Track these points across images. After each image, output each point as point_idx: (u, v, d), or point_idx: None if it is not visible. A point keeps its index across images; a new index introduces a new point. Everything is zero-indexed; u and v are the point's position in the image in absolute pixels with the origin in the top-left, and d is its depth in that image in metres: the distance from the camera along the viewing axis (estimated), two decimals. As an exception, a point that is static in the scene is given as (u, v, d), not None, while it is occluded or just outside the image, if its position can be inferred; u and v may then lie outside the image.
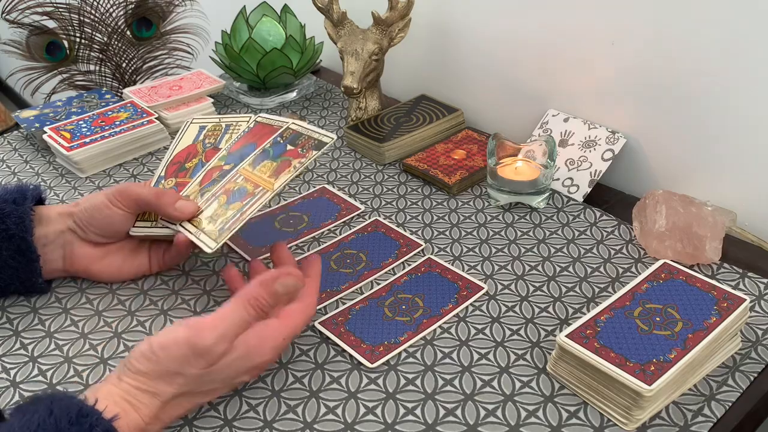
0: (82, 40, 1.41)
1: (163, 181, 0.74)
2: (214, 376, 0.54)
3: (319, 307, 0.69)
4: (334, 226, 0.81)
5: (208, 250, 0.63)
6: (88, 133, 0.94)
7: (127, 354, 0.62)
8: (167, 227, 0.69)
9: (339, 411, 0.58)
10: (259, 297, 0.56)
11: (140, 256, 0.72)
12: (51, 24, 1.38)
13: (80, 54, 1.42)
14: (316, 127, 0.68)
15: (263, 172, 0.66)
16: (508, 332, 0.65)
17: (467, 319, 0.66)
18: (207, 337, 0.53)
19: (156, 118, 0.98)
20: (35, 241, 0.67)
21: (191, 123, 0.80)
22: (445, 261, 0.74)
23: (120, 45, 1.44)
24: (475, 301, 0.68)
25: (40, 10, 1.36)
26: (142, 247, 0.73)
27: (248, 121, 0.75)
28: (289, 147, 0.68)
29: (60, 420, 0.47)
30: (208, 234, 0.64)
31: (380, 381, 0.60)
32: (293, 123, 0.70)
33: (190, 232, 0.66)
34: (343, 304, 0.69)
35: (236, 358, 0.55)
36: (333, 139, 0.66)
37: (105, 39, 1.42)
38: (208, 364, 0.53)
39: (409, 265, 0.73)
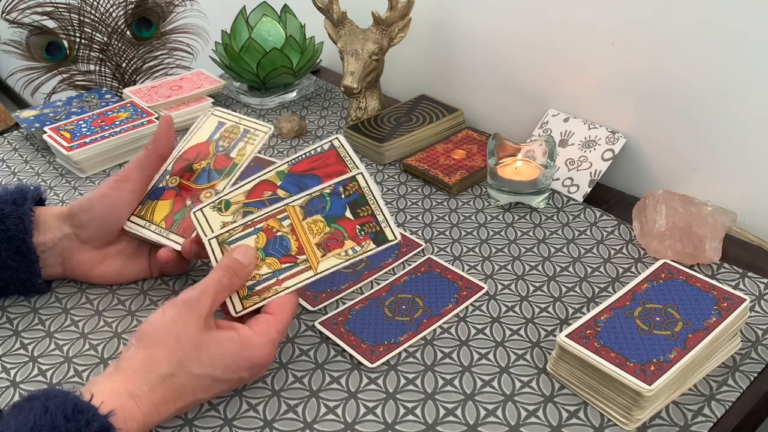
0: (82, 40, 1.41)
1: (168, 177, 0.72)
2: (208, 353, 0.54)
3: (319, 307, 0.69)
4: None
5: (233, 313, 0.60)
6: (88, 133, 0.94)
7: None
8: (161, 236, 0.68)
9: (339, 411, 0.58)
10: (228, 262, 0.59)
11: (140, 261, 0.72)
12: (51, 24, 1.38)
13: (80, 54, 1.42)
14: (384, 206, 0.62)
15: (312, 232, 0.61)
16: (508, 332, 0.65)
17: (467, 319, 0.66)
18: (189, 293, 0.56)
19: (156, 118, 0.98)
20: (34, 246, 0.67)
21: (211, 115, 0.76)
22: (445, 261, 0.74)
23: (120, 45, 1.44)
24: (475, 301, 0.68)
25: (40, 10, 1.36)
26: (141, 252, 0.72)
27: (267, 133, 0.72)
28: (348, 213, 0.62)
29: (56, 416, 0.46)
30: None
31: (380, 381, 0.60)
32: (361, 174, 0.63)
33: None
34: (343, 304, 0.69)
35: (227, 338, 0.55)
36: (397, 239, 0.60)
37: (105, 39, 1.42)
38: (198, 317, 0.54)
39: (409, 265, 0.73)
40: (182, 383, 0.54)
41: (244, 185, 0.65)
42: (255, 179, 0.65)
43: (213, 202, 0.65)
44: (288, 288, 0.60)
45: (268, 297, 0.60)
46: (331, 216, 0.62)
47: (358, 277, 0.72)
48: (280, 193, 0.64)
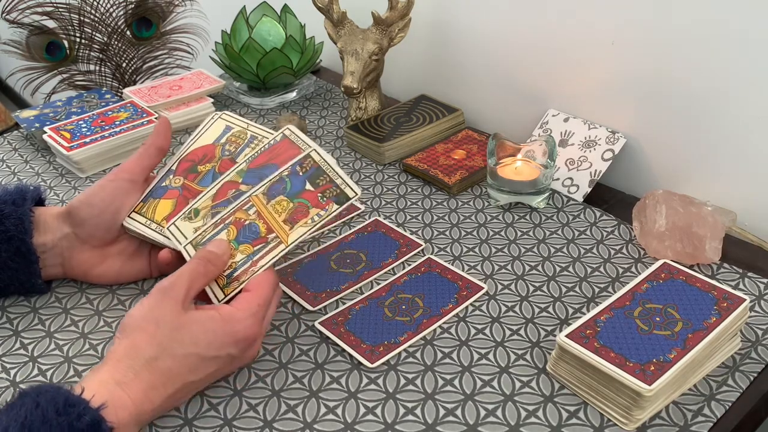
0: (82, 40, 1.41)
1: (171, 176, 0.72)
2: (188, 332, 0.55)
3: (319, 307, 0.69)
4: (334, 226, 0.81)
5: (215, 302, 0.61)
6: (88, 133, 0.94)
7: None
8: (162, 235, 0.68)
9: (339, 411, 0.58)
10: (202, 252, 0.61)
11: (140, 261, 0.72)
12: (51, 24, 1.38)
13: (80, 54, 1.42)
14: (341, 170, 0.65)
15: (278, 212, 0.64)
16: (508, 332, 0.65)
17: (467, 319, 0.66)
18: (165, 281, 0.57)
19: (156, 118, 0.98)
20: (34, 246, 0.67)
21: (219, 118, 0.76)
22: (445, 261, 0.74)
23: (120, 45, 1.45)
24: (475, 301, 0.68)
25: (40, 10, 1.36)
26: (141, 252, 0.72)
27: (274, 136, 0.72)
28: (308, 186, 0.65)
29: (47, 411, 0.47)
30: (215, 280, 0.62)
31: (380, 381, 0.60)
32: (314, 151, 0.66)
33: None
34: (343, 304, 0.69)
35: (208, 318, 0.56)
36: (357, 194, 0.63)
37: (105, 39, 1.43)
38: (174, 301, 0.55)
39: (409, 265, 0.73)
40: (168, 366, 0.54)
41: (209, 191, 0.68)
42: (218, 183, 0.68)
43: (182, 213, 0.67)
44: (263, 266, 0.61)
45: (246, 279, 0.61)
46: (293, 193, 0.65)
47: (358, 277, 0.72)
48: (243, 188, 0.67)
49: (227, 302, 0.60)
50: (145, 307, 0.56)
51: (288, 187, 0.65)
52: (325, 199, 0.64)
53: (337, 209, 0.64)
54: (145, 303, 0.56)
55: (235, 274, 0.62)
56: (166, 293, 0.56)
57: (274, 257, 0.62)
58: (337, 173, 0.65)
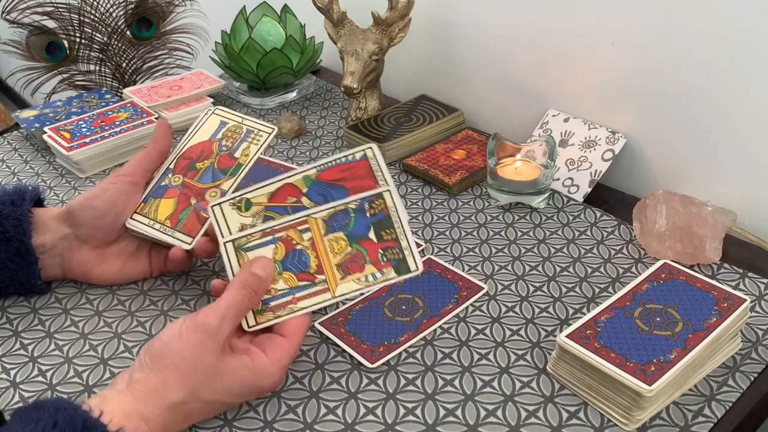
0: (82, 40, 1.41)
1: (170, 175, 0.72)
2: (222, 381, 0.54)
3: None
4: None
5: (245, 327, 0.58)
6: (88, 133, 0.94)
7: (128, 355, 0.62)
8: (167, 234, 0.68)
9: (339, 411, 0.58)
10: (248, 278, 0.57)
11: (140, 262, 0.72)
12: (51, 24, 1.38)
13: (80, 54, 1.42)
14: (409, 230, 0.59)
15: (333, 251, 0.59)
16: (508, 332, 0.65)
17: (467, 319, 0.66)
18: (210, 316, 0.54)
19: (156, 118, 0.98)
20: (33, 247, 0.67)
21: (213, 114, 0.75)
22: (445, 261, 0.74)
23: (120, 45, 1.44)
24: (475, 301, 0.68)
25: (40, 10, 1.36)
26: (141, 252, 0.72)
27: (271, 133, 0.71)
28: (371, 234, 0.59)
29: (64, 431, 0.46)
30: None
31: (380, 381, 0.60)
32: (389, 192, 0.60)
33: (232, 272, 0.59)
34: (343, 304, 0.69)
35: (242, 366, 0.54)
36: (419, 270, 0.58)
37: (105, 39, 1.42)
38: (216, 344, 0.53)
39: (409, 265, 0.73)
40: (193, 408, 0.54)
41: (267, 186, 0.61)
42: (279, 181, 0.61)
43: (233, 198, 0.62)
44: (304, 308, 0.58)
45: (283, 315, 0.58)
46: (354, 236, 0.59)
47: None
48: (305, 201, 0.61)
49: (256, 332, 0.58)
50: (184, 343, 0.53)
51: (351, 226, 0.60)
52: (385, 259, 0.59)
53: (393, 278, 0.58)
54: (185, 337, 0.53)
55: (271, 304, 0.58)
56: (210, 334, 0.53)
57: (316, 303, 0.58)
58: (404, 233, 0.59)
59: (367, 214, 0.60)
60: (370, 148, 0.61)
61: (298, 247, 0.60)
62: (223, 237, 0.61)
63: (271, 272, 0.58)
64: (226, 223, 0.61)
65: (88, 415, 0.48)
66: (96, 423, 0.48)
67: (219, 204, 0.62)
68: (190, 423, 0.55)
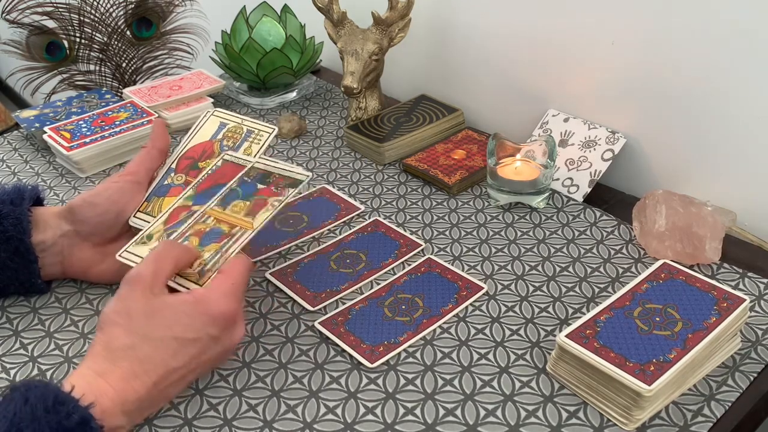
0: (82, 40, 1.41)
1: (172, 174, 0.72)
2: (162, 315, 0.55)
3: (318, 307, 0.69)
4: (334, 226, 0.81)
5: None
6: (88, 133, 0.94)
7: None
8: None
9: (339, 411, 0.58)
10: (169, 241, 0.61)
11: None
12: (51, 24, 1.38)
13: (80, 54, 1.42)
14: (287, 164, 0.68)
15: (236, 212, 0.65)
16: (507, 332, 0.65)
17: (467, 319, 0.66)
18: (131, 270, 0.58)
19: (156, 118, 0.98)
20: (32, 246, 0.67)
21: (212, 115, 0.77)
22: (445, 261, 0.74)
23: (120, 45, 1.44)
24: (474, 301, 0.68)
25: (40, 10, 1.36)
26: None
27: (271, 133, 0.73)
28: (259, 186, 0.67)
29: (36, 408, 0.46)
30: (186, 276, 0.61)
31: (380, 381, 0.60)
32: (257, 162, 0.69)
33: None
34: (343, 304, 0.69)
35: (180, 301, 0.56)
36: (308, 176, 0.66)
37: (105, 39, 1.42)
38: (142, 288, 0.55)
39: (409, 265, 0.73)
40: (146, 353, 0.54)
41: (159, 218, 0.68)
42: (168, 210, 0.68)
43: (134, 240, 0.66)
44: (234, 251, 0.62)
45: (219, 266, 0.61)
46: (247, 194, 0.66)
47: (358, 277, 0.72)
48: (195, 208, 0.67)
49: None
50: (116, 300, 0.56)
51: (241, 193, 0.67)
52: (279, 188, 0.66)
53: (293, 191, 0.65)
54: (116, 297, 0.56)
55: (206, 267, 0.61)
56: (132, 282, 0.56)
57: (242, 242, 0.62)
58: (284, 168, 0.67)
59: (248, 180, 0.68)
60: (227, 153, 0.71)
61: (207, 229, 0.64)
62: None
63: (190, 247, 0.62)
64: (139, 257, 0.65)
65: (60, 390, 0.49)
66: (67, 398, 0.48)
67: (124, 250, 0.66)
68: (155, 375, 0.54)
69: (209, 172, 0.71)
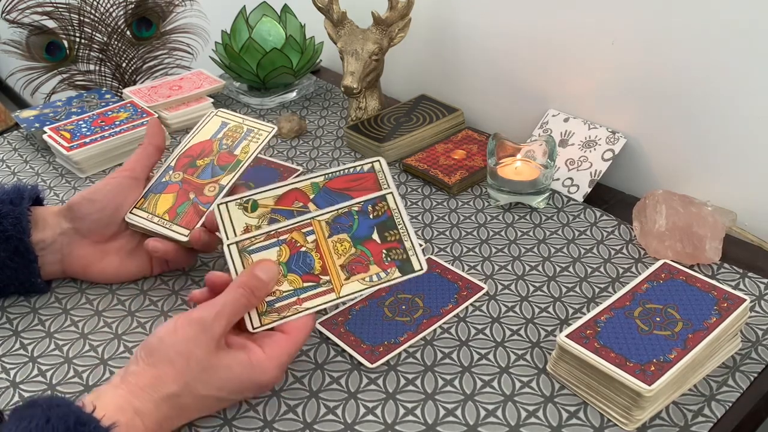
0: (82, 40, 1.41)
1: (171, 172, 0.72)
2: (216, 376, 0.53)
3: (319, 307, 0.69)
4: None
5: (250, 328, 0.57)
6: (88, 133, 0.94)
7: (128, 355, 0.62)
8: (164, 227, 0.68)
9: (339, 411, 0.58)
10: (248, 280, 0.57)
11: (139, 258, 0.72)
12: (51, 24, 1.38)
13: (80, 54, 1.42)
14: (413, 231, 0.60)
15: (337, 252, 0.59)
16: (508, 332, 0.65)
17: (467, 319, 0.66)
18: (205, 312, 0.54)
19: (151, 117, 0.98)
20: (32, 245, 0.67)
21: (215, 115, 0.76)
22: (445, 261, 0.74)
23: (120, 45, 1.44)
24: (475, 301, 0.68)
25: (40, 10, 1.36)
26: (141, 249, 0.71)
27: (270, 132, 0.71)
28: (375, 235, 0.60)
29: (57, 428, 0.46)
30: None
31: (380, 381, 0.60)
32: (392, 194, 0.61)
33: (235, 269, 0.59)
34: (343, 304, 0.69)
35: (237, 362, 0.54)
36: (423, 270, 0.59)
37: (105, 39, 1.42)
38: (210, 338, 0.53)
39: (409, 265, 0.73)
40: (188, 403, 0.53)
41: (274, 189, 0.62)
42: (287, 185, 0.62)
43: (240, 198, 0.61)
44: (308, 309, 0.58)
45: (288, 316, 0.57)
46: (358, 237, 0.60)
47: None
48: (311, 206, 0.61)
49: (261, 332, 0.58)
50: (179, 338, 0.53)
51: (354, 227, 0.60)
52: (389, 259, 0.59)
53: (398, 278, 0.59)
54: (180, 332, 0.53)
55: (276, 305, 0.58)
56: (204, 328, 0.53)
57: (321, 304, 0.58)
58: (408, 233, 0.60)
59: (371, 216, 0.61)
60: (378, 161, 0.63)
61: (303, 249, 0.60)
62: (227, 239, 0.60)
63: (273, 275, 0.58)
64: (231, 223, 0.61)
65: (81, 410, 0.48)
66: (89, 418, 0.48)
67: (225, 203, 0.61)
68: (185, 419, 0.55)
69: (350, 171, 0.63)
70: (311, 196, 0.62)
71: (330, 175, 0.63)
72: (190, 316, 0.54)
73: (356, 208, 0.61)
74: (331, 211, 0.61)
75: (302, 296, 0.58)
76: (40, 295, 0.71)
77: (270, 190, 0.62)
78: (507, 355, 0.62)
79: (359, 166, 0.63)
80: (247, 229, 0.61)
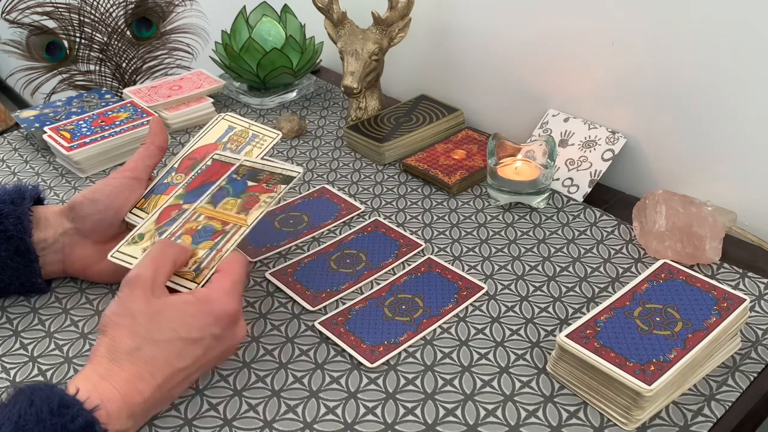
0: (82, 40, 1.41)
1: (173, 173, 0.73)
2: (166, 317, 0.54)
3: (319, 307, 0.69)
4: (334, 226, 0.81)
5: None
6: (88, 133, 0.94)
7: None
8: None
9: (339, 411, 0.58)
10: (163, 240, 0.61)
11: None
12: (51, 24, 1.38)
13: (80, 54, 1.42)
14: (278, 161, 0.68)
15: (228, 209, 0.65)
16: (508, 332, 0.65)
17: (467, 319, 0.66)
18: (130, 272, 0.57)
19: (153, 116, 0.98)
20: (33, 245, 0.67)
21: (222, 119, 0.78)
22: (445, 261, 0.74)
23: (120, 45, 1.44)
24: (475, 301, 0.68)
25: (40, 10, 1.36)
26: None
27: (275, 138, 0.74)
28: (250, 183, 0.67)
29: (41, 410, 0.46)
30: (183, 275, 0.61)
31: (380, 381, 0.60)
32: (246, 159, 0.69)
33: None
34: (343, 304, 0.69)
35: (182, 301, 0.56)
36: (300, 173, 0.66)
37: (105, 39, 1.42)
38: (142, 290, 0.55)
39: (409, 265, 0.73)
40: (151, 354, 0.53)
41: (150, 217, 0.67)
42: (158, 210, 0.68)
43: (126, 240, 0.66)
44: (229, 249, 0.61)
45: (216, 264, 0.61)
46: (238, 192, 0.66)
47: (358, 277, 0.72)
48: (185, 206, 0.67)
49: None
50: (117, 302, 0.56)
51: (231, 191, 0.66)
52: (270, 185, 0.66)
53: (285, 188, 0.65)
54: (117, 298, 0.56)
55: (202, 265, 0.61)
56: (133, 284, 0.56)
57: (237, 239, 0.62)
58: (273, 165, 0.67)
59: (238, 178, 0.68)
60: (216, 153, 0.71)
61: (199, 227, 0.64)
62: (132, 265, 0.63)
63: (186, 246, 0.61)
64: (131, 257, 0.64)
65: (65, 393, 0.49)
66: (72, 401, 0.48)
67: (116, 251, 0.65)
68: (160, 376, 0.53)
69: (198, 171, 0.71)
70: (181, 202, 0.68)
71: (186, 183, 0.70)
72: (122, 281, 0.57)
73: (224, 182, 0.68)
74: (206, 196, 0.67)
75: (218, 246, 0.62)
76: (40, 295, 0.71)
77: (147, 221, 0.67)
78: (507, 355, 0.62)
79: (204, 164, 0.71)
80: (146, 250, 0.64)
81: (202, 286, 0.60)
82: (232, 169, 0.69)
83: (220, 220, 0.64)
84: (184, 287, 0.60)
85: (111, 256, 0.65)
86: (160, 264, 0.58)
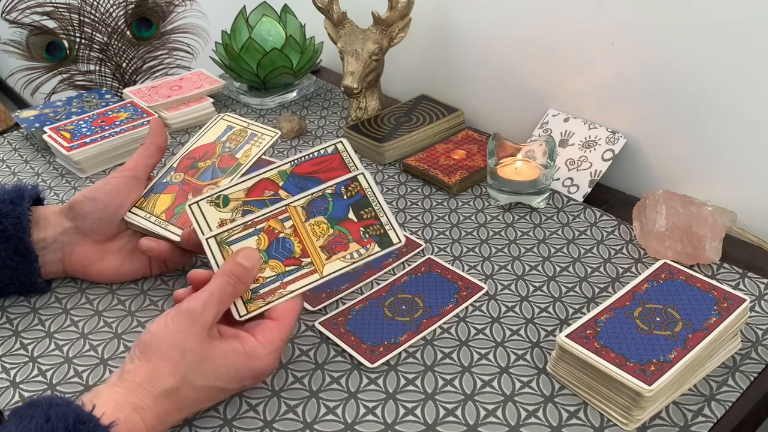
0: (82, 40, 1.41)
1: (172, 173, 0.73)
2: (211, 365, 0.54)
3: (319, 307, 0.69)
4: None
5: (237, 317, 0.58)
6: (88, 133, 0.94)
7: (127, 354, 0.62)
8: (160, 227, 0.69)
9: (339, 411, 0.58)
10: (232, 268, 0.57)
11: (139, 259, 0.72)
12: (51, 24, 1.38)
13: (80, 54, 1.42)
14: (387, 207, 0.62)
15: (316, 234, 0.60)
16: (508, 332, 0.65)
17: (467, 319, 0.66)
18: (193, 302, 0.54)
19: (153, 116, 0.98)
20: (33, 244, 0.67)
21: (221, 119, 0.77)
22: (445, 261, 0.74)
23: (120, 45, 1.44)
24: (475, 301, 0.68)
25: (40, 10, 1.36)
26: None
27: (273, 137, 0.72)
28: (351, 214, 0.61)
29: (57, 427, 0.46)
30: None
31: (380, 381, 0.60)
32: (363, 174, 0.63)
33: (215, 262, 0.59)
34: (343, 304, 0.69)
35: (231, 351, 0.54)
36: (401, 242, 0.60)
37: (105, 39, 1.42)
38: (201, 328, 0.53)
39: (409, 265, 0.73)
40: (187, 395, 0.53)
41: (244, 182, 0.63)
42: (256, 176, 0.63)
43: (210, 196, 0.63)
44: (293, 291, 0.59)
45: (273, 301, 0.58)
46: (334, 218, 0.61)
47: (358, 277, 0.72)
48: (282, 194, 0.63)
49: (249, 320, 0.58)
50: (171, 331, 0.53)
51: (330, 209, 0.61)
52: (367, 236, 0.60)
53: (378, 252, 0.60)
54: (171, 325, 0.54)
55: (261, 291, 0.58)
56: (194, 318, 0.54)
57: (305, 285, 0.59)
58: (383, 209, 0.61)
59: (345, 197, 0.62)
60: (341, 141, 0.65)
61: (281, 235, 0.61)
62: (203, 234, 0.61)
63: (256, 261, 0.59)
64: (206, 220, 0.62)
65: (81, 409, 0.48)
66: (88, 416, 0.48)
67: (196, 202, 0.62)
68: (185, 412, 0.55)
69: (315, 155, 0.64)
70: (281, 184, 0.63)
71: (296, 161, 0.64)
72: (179, 308, 0.54)
73: (330, 191, 0.62)
74: (305, 196, 0.62)
75: (285, 280, 0.59)
76: (40, 295, 0.71)
77: (239, 183, 0.63)
78: (507, 355, 0.62)
79: (323, 149, 0.64)
80: (221, 224, 0.62)
81: (251, 316, 0.58)
82: (345, 177, 0.63)
83: (303, 244, 0.60)
84: (234, 305, 0.58)
85: (188, 205, 0.62)
86: (225, 301, 0.56)
